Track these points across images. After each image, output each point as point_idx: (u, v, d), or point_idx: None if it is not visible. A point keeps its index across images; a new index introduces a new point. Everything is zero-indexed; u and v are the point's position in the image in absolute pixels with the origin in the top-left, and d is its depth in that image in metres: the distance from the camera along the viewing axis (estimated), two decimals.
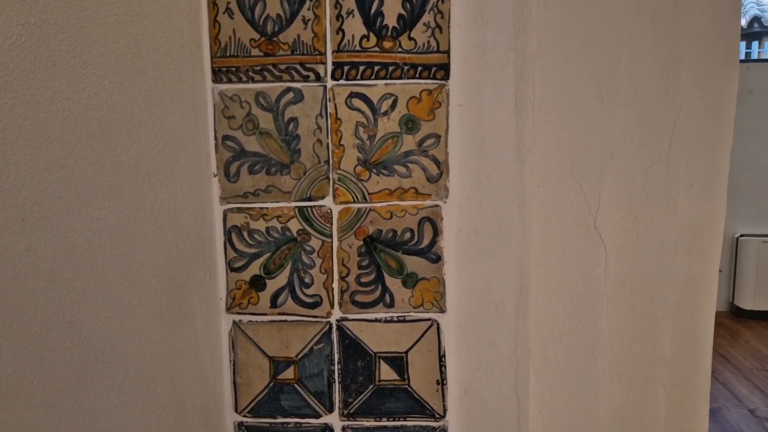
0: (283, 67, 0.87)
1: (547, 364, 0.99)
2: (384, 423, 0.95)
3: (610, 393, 1.04)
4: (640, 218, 1.00)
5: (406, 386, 0.94)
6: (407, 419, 0.95)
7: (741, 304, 4.17)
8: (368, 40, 0.86)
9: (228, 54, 0.87)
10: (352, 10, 0.85)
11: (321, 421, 0.96)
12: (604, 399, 1.03)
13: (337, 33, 0.86)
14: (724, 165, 1.03)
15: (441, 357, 0.93)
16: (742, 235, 4.05)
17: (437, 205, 0.89)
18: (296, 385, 0.96)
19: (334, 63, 0.86)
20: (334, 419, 0.96)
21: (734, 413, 2.88)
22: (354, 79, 0.86)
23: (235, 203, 0.92)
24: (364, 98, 0.87)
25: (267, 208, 0.91)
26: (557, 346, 0.99)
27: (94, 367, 0.65)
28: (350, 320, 0.93)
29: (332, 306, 0.93)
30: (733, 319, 4.28)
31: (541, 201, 0.93)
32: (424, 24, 0.85)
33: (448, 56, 0.86)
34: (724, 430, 2.67)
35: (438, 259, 0.90)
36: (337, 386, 0.95)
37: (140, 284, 0.73)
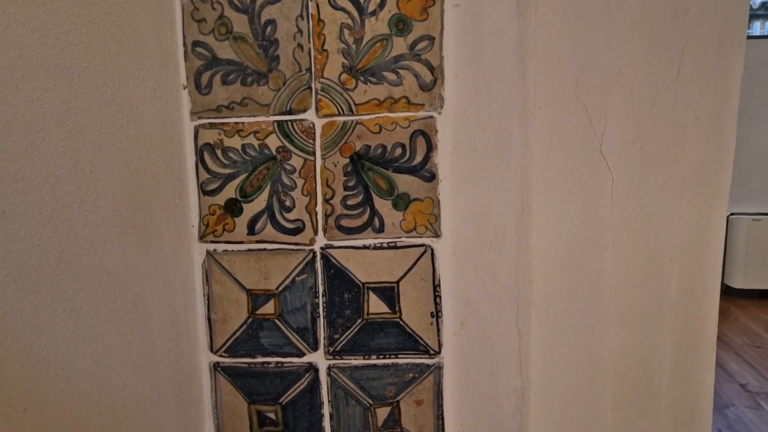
0: None
1: (548, 302, 0.92)
2: (374, 361, 0.87)
3: (614, 336, 0.96)
4: (647, 151, 0.93)
5: (398, 320, 0.86)
6: (399, 356, 0.87)
7: (731, 283, 4.17)
8: None
9: None
10: None
11: (304, 360, 0.88)
12: (608, 342, 0.95)
13: None
14: (733, 100, 0.96)
15: (435, 287, 0.85)
16: (732, 214, 4.03)
17: (431, 117, 0.80)
18: (277, 321, 0.87)
19: None
20: (318, 358, 0.88)
21: (726, 388, 2.87)
22: None
23: (208, 118, 0.83)
24: None
25: (243, 123, 0.82)
26: (559, 282, 0.91)
27: (37, 270, 0.56)
28: (336, 248, 0.85)
29: (316, 232, 0.84)
30: (724, 297, 4.28)
31: (543, 124, 0.85)
32: None
33: None
34: (716, 405, 2.64)
35: (432, 177, 0.82)
36: (321, 321, 0.87)
37: (94, 189, 0.64)
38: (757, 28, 6.34)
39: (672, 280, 0.98)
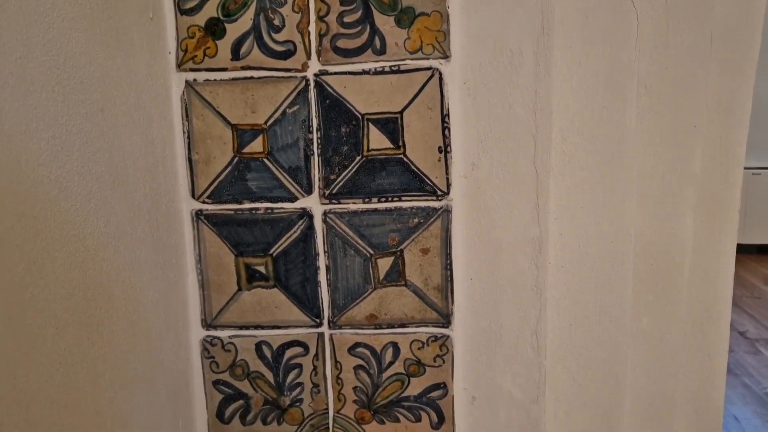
0: None
1: (565, 159, 0.83)
2: (374, 205, 0.78)
3: (635, 211, 0.87)
4: (671, 4, 0.83)
5: (402, 156, 0.76)
6: (402, 199, 0.78)
7: None
8: None
9: None
10: None
11: (297, 205, 0.79)
12: (628, 210, 0.86)
13: None
14: None
15: (444, 117, 0.75)
16: None
17: None
18: (266, 161, 0.78)
19: None
20: (313, 203, 0.79)
21: None
22: None
23: None
24: None
25: None
26: (578, 137, 0.82)
27: None
28: (331, 74, 0.75)
29: (309, 55, 0.75)
30: None
31: None
32: None
33: None
34: None
35: None
36: (316, 160, 0.77)
37: None
38: None
39: (696, 151, 0.89)
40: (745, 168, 4.29)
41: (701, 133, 0.88)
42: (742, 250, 4.19)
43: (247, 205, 0.79)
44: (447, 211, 0.78)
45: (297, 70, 0.75)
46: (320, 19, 0.73)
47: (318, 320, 0.81)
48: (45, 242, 0.53)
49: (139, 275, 0.70)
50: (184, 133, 0.78)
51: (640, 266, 0.91)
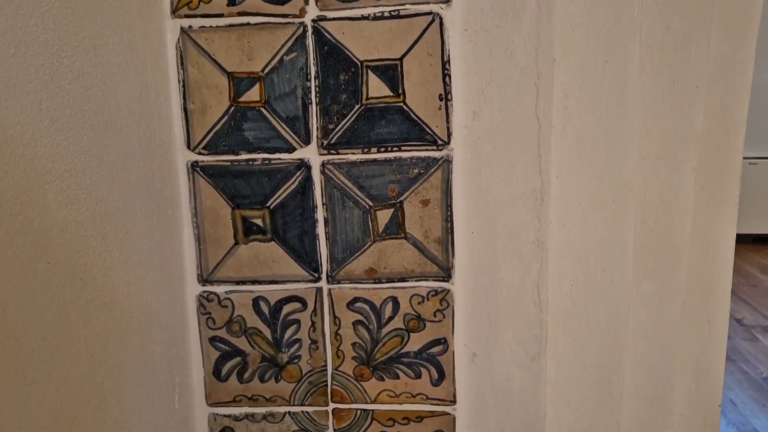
0: None
1: (566, 116, 0.81)
2: (374, 155, 0.76)
3: (636, 170, 0.86)
4: None
5: (401, 104, 0.75)
6: (402, 149, 0.76)
7: None
8: None
9: None
10: None
11: (295, 156, 0.77)
12: (629, 173, 0.85)
13: None
14: None
15: (444, 64, 0.74)
16: None
17: None
18: (263, 110, 0.76)
19: None
20: (311, 153, 0.77)
21: None
22: None
23: None
24: None
25: None
26: (579, 92, 0.81)
27: None
28: (330, 19, 0.73)
29: (306, 0, 0.73)
30: None
31: None
32: None
33: None
34: None
35: None
36: (314, 109, 0.76)
37: None
38: None
39: (698, 112, 0.87)
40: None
41: (703, 93, 0.86)
42: (739, 240, 4.18)
43: (243, 156, 0.77)
44: (447, 162, 0.76)
45: (294, 16, 0.73)
46: None
47: (316, 275, 0.80)
48: (36, 172, 0.52)
49: (133, 222, 0.68)
50: (179, 82, 0.76)
51: (640, 230, 0.90)
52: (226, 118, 0.76)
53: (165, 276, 0.76)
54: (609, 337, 0.90)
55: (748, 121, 0.89)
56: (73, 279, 0.57)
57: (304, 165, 0.77)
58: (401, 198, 0.77)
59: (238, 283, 0.81)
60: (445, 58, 0.74)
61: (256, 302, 0.81)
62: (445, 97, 0.74)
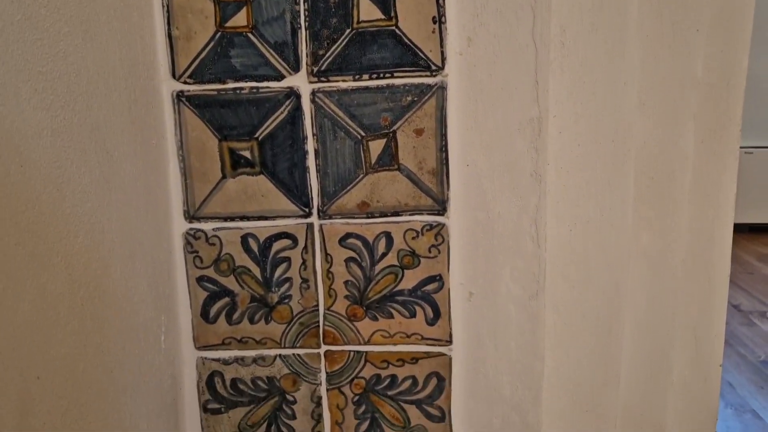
0: None
1: (564, 53, 0.79)
2: (365, 82, 0.74)
3: (635, 113, 0.84)
4: None
5: (394, 28, 0.72)
6: (395, 75, 0.74)
7: None
8: None
9: None
10: None
11: (284, 84, 0.75)
12: (628, 115, 0.83)
13: None
14: None
15: None
16: None
17: None
18: (251, 35, 0.73)
19: None
20: (300, 81, 0.74)
21: None
22: None
23: None
24: None
25: None
26: (577, 26, 0.78)
27: None
28: None
29: None
30: None
31: None
32: None
33: None
34: None
35: None
36: (303, 34, 0.73)
37: None
38: None
39: (699, 54, 0.85)
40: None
41: (703, 38, 0.85)
42: (735, 229, 4.22)
43: (231, 85, 0.75)
44: (442, 88, 0.74)
45: None
46: None
47: (307, 209, 0.77)
48: (7, 69, 0.49)
49: (115, 144, 0.65)
50: (163, 6, 0.73)
51: (640, 180, 0.88)
52: (212, 44, 0.74)
53: (150, 208, 0.73)
54: (609, 285, 0.88)
55: (743, 110, 0.87)
56: (48, 188, 0.54)
57: (293, 93, 0.74)
58: (394, 127, 0.75)
59: (226, 219, 0.78)
60: None
61: (244, 239, 0.78)
62: (439, 19, 0.72)
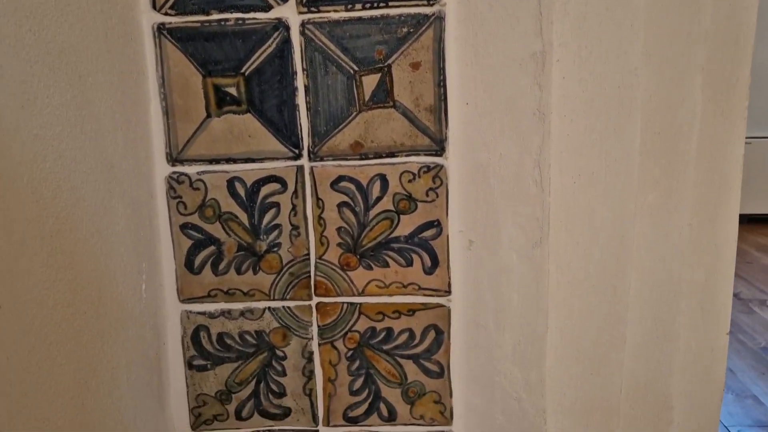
0: None
1: (566, 11, 0.75)
2: (358, 12, 0.69)
3: (640, 61, 0.80)
4: None
5: None
6: (390, 4, 0.69)
7: None
8: None
9: None
10: None
11: (272, 15, 0.70)
12: (633, 60, 0.79)
13: None
14: None
15: None
16: None
17: None
18: None
19: None
20: (289, 11, 0.70)
21: None
22: None
23: None
24: None
25: None
26: None
27: None
28: None
29: None
30: None
31: None
32: None
33: None
34: None
35: None
36: None
37: None
38: None
39: (706, 8, 0.81)
40: None
41: None
42: None
43: (215, 16, 0.70)
44: (439, 18, 0.69)
45: None
46: None
47: (297, 151, 0.73)
48: None
49: (88, 69, 0.61)
50: None
51: (646, 134, 0.83)
52: None
53: (129, 145, 0.69)
54: (613, 242, 0.84)
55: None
56: (11, 103, 0.50)
57: (281, 25, 0.70)
58: (389, 61, 0.70)
59: (210, 162, 0.73)
60: None
61: (230, 183, 0.74)
62: None
